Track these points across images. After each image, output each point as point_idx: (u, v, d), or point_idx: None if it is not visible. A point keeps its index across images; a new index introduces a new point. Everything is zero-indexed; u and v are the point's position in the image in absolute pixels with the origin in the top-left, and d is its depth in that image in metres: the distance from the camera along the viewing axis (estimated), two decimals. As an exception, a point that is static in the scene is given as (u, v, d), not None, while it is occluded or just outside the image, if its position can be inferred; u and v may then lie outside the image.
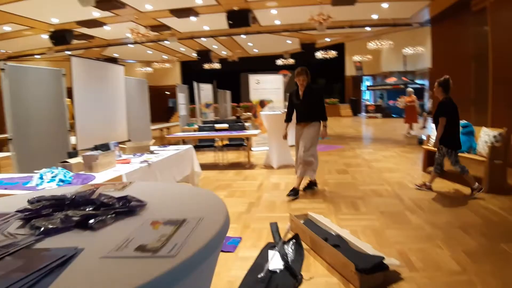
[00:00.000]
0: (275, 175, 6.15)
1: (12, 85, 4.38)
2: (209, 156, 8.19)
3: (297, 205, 4.32)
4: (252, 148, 9.46)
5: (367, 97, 21.60)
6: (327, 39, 13.63)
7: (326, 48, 14.98)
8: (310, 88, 4.60)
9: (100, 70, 6.05)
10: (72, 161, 3.49)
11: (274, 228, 3.53)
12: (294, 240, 3.02)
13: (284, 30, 10.25)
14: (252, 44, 13.22)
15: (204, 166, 7.32)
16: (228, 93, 16.13)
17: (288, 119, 4.93)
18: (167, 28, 9.25)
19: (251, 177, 6.07)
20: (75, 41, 10.49)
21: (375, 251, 2.66)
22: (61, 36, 8.53)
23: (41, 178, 3.05)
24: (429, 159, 5.71)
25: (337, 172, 6.05)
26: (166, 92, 24.09)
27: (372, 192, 4.72)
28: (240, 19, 7.90)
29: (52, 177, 3.04)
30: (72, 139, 5.51)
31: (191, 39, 10.82)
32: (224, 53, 14.35)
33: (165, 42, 11.13)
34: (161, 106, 23.73)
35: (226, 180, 5.98)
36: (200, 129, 8.15)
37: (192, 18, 8.63)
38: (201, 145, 7.79)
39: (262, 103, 9.79)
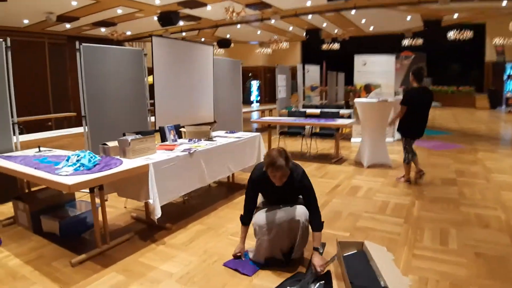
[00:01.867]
0: (361, 175, 5.15)
1: (88, 65, 4.51)
2: (298, 144, 7.50)
3: (366, 223, 3.38)
4: (352, 139, 8.44)
5: (510, 88, 17.13)
6: (455, 16, 10.89)
7: (461, 27, 12.07)
8: (292, 179, 2.51)
9: (185, 50, 5.95)
10: (110, 144, 3.34)
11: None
12: (323, 282, 2.22)
13: (399, 4, 8.48)
14: (365, 21, 11.61)
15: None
16: (341, 76, 14.88)
17: (247, 219, 2.72)
18: (267, 5, 8.71)
19: (331, 174, 5.22)
20: (186, 23, 10.96)
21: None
22: (167, 18, 8.90)
23: (67, 160, 2.96)
24: None
25: (442, 182, 4.69)
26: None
27: (477, 219, 3.39)
28: (340, -11, 6.81)
29: (77, 160, 2.91)
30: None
31: (296, 17, 10.06)
32: (336, 31, 13.09)
33: (271, 21, 10.67)
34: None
35: (301, 175, 5.26)
36: (290, 114, 7.52)
37: (292, -7, 7.91)
38: (290, 132, 7.17)
39: (368, 88, 8.52)
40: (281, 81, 10.05)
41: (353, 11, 9.29)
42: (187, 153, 3.40)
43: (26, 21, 9.26)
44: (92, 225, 3.60)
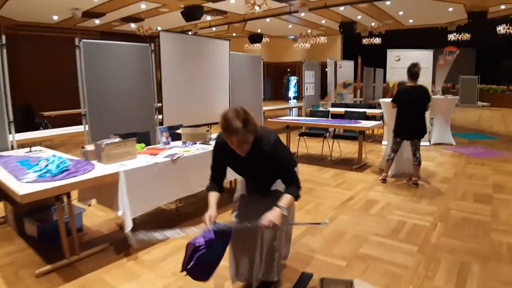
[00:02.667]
0: (381, 186, 4.58)
1: (89, 61, 4.37)
2: (320, 146, 6.95)
3: (371, 249, 2.89)
4: (383, 142, 7.76)
5: None
6: (502, 6, 9.54)
7: (511, 20, 10.66)
8: (261, 149, 1.95)
9: (198, 46, 5.67)
10: (89, 147, 3.12)
11: (301, 285, 2.34)
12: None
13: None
14: (402, 13, 10.61)
15: (307, 158, 6.27)
16: (379, 72, 13.96)
17: (211, 187, 2.18)
18: (293, -4, 8.20)
19: (347, 184, 4.70)
20: (214, 18, 10.70)
21: None
22: (191, 12, 8.67)
23: (36, 165, 2.76)
24: None
25: (474, 198, 4.01)
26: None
27: (509, 251, 2.76)
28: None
29: (45, 165, 2.69)
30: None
31: (326, 9, 9.42)
32: (373, 24, 12.17)
33: (301, 14, 10.13)
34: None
35: (315, 182, 4.80)
36: (311, 113, 7.02)
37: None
38: (310, 133, 6.65)
39: (402, 86, 7.76)
40: (309, 78, 9.55)
41: (388, 2, 8.50)
42: (169, 159, 3.09)
43: (55, 17, 9.48)
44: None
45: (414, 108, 4.37)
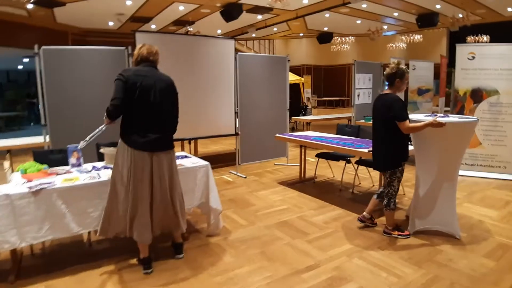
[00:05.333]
0: (382, 251, 3.12)
1: (51, 69, 4.14)
2: (351, 171, 5.49)
3: None
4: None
5: None
6: None
7: None
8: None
9: (190, 47, 4.99)
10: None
11: None
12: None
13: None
14: None
15: (322, 188, 5.01)
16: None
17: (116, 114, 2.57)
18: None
19: (334, 238, 3.42)
20: (267, 16, 9.84)
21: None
22: (228, 12, 7.98)
23: None
24: None
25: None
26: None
27: None
28: None
29: None
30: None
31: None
32: (461, 16, 9.61)
33: (363, 5, 8.55)
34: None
35: (291, 229, 3.66)
36: (338, 129, 5.65)
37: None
38: (330, 154, 5.24)
39: (477, 95, 5.87)
40: (362, 82, 8.02)
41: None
42: (26, 190, 2.45)
43: (111, 23, 9.89)
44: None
45: (374, 124, 3.32)
